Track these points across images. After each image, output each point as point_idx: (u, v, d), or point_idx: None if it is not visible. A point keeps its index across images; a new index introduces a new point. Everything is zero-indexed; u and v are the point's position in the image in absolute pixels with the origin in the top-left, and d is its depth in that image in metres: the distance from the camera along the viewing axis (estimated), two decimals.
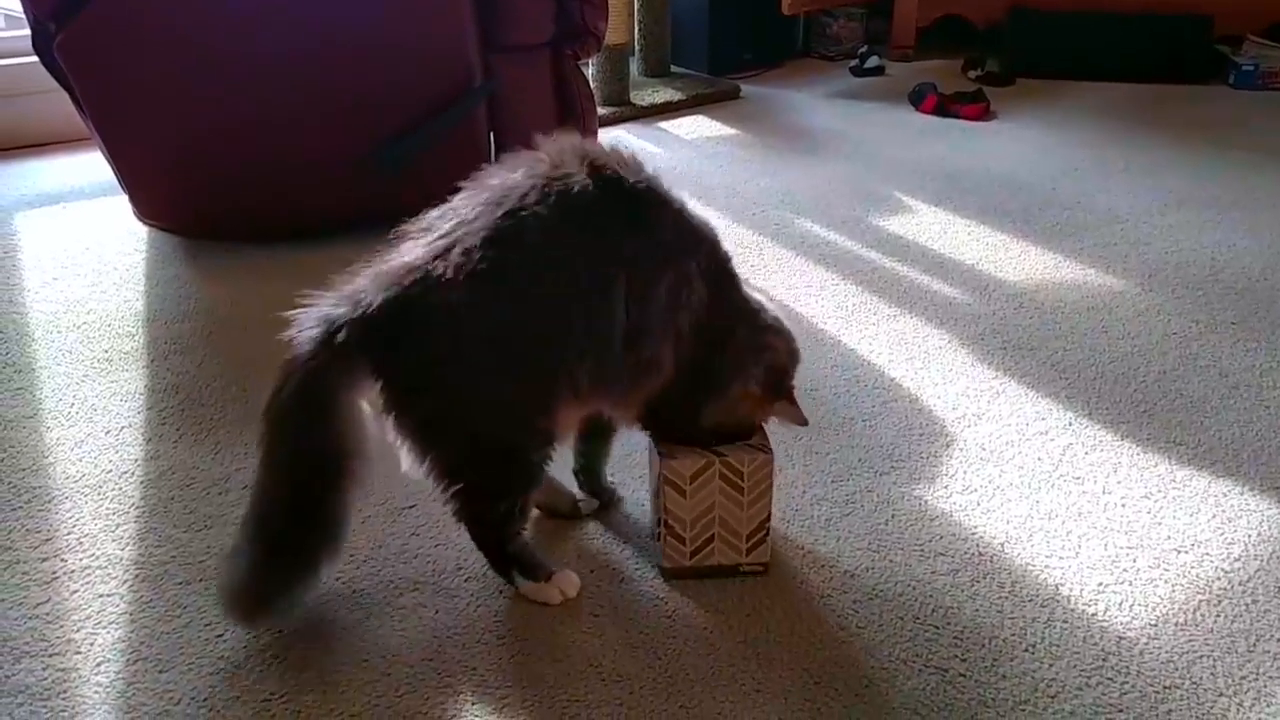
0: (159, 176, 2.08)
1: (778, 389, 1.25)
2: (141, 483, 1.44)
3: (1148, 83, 3.34)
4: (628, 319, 1.13)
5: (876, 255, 2.16)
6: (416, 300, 1.08)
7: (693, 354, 1.19)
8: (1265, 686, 1.12)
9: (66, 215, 2.35)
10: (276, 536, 1.12)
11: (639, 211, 1.14)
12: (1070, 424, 1.58)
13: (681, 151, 2.84)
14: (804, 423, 1.27)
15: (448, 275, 1.08)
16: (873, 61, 3.52)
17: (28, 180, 2.55)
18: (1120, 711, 1.09)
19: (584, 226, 1.11)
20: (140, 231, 2.23)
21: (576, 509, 1.37)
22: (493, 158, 2.22)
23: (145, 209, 2.16)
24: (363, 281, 1.11)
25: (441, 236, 1.11)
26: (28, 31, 1.98)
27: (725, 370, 1.21)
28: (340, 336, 1.08)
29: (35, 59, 2.00)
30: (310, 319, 1.10)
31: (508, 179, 1.13)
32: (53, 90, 2.09)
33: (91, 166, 2.54)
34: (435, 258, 1.09)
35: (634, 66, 3.37)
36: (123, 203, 2.31)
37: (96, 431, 1.56)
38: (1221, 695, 1.11)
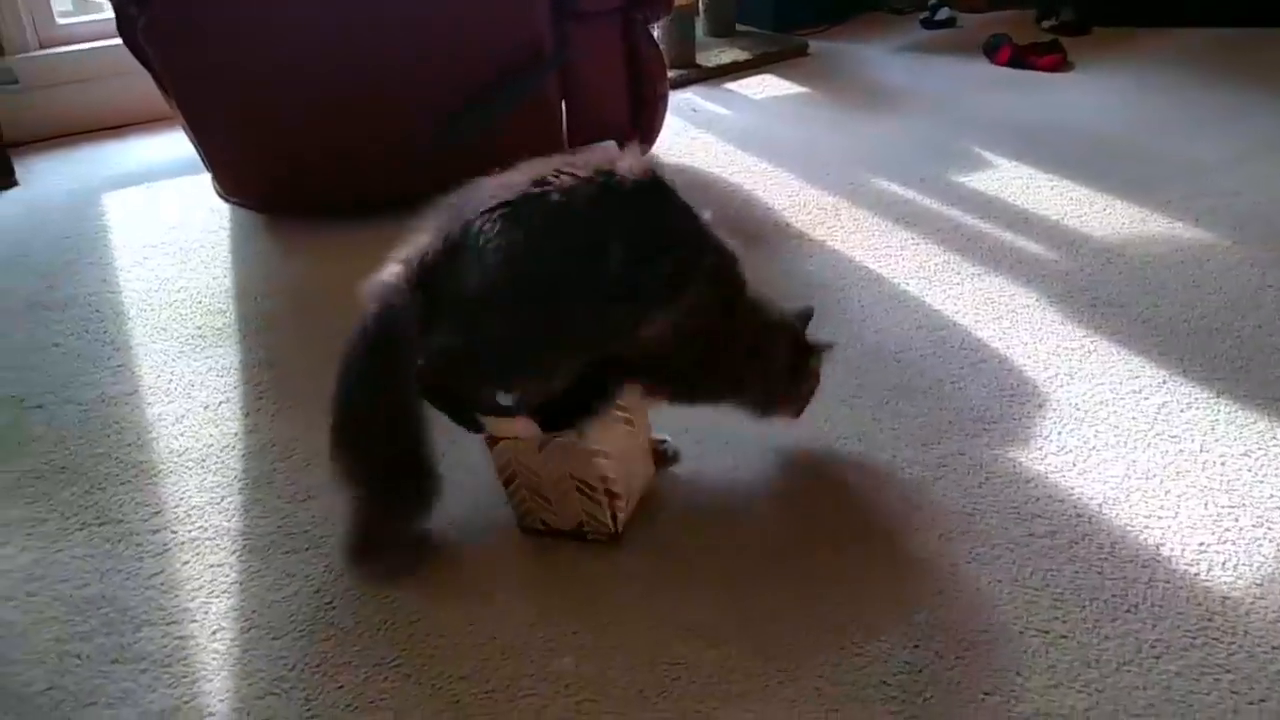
0: (241, 154, 2.12)
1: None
2: (243, 456, 1.48)
3: (1228, 27, 3.22)
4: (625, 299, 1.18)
5: (958, 213, 2.12)
6: (458, 241, 1.17)
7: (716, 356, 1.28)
8: None
9: (151, 195, 2.41)
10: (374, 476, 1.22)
11: (640, 204, 1.20)
12: (1164, 381, 1.55)
13: (751, 112, 2.82)
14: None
15: (485, 225, 1.16)
16: (943, 13, 3.45)
17: (112, 162, 2.61)
18: (1228, 672, 1.08)
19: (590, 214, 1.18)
20: (222, 209, 2.28)
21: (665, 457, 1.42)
22: (564, 124, 2.22)
23: (228, 186, 2.20)
24: (424, 236, 1.21)
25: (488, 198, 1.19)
26: (100, 15, 2.02)
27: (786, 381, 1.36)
28: (403, 278, 1.18)
29: (111, 42, 2.04)
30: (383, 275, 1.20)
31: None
32: (130, 72, 2.13)
33: (171, 146, 2.60)
34: (481, 213, 1.17)
35: (699, 26, 3.33)
36: (204, 181, 2.35)
37: (195, 407, 1.60)
38: None
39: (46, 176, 2.56)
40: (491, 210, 1.16)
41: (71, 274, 2.05)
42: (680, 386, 1.31)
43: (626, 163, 1.20)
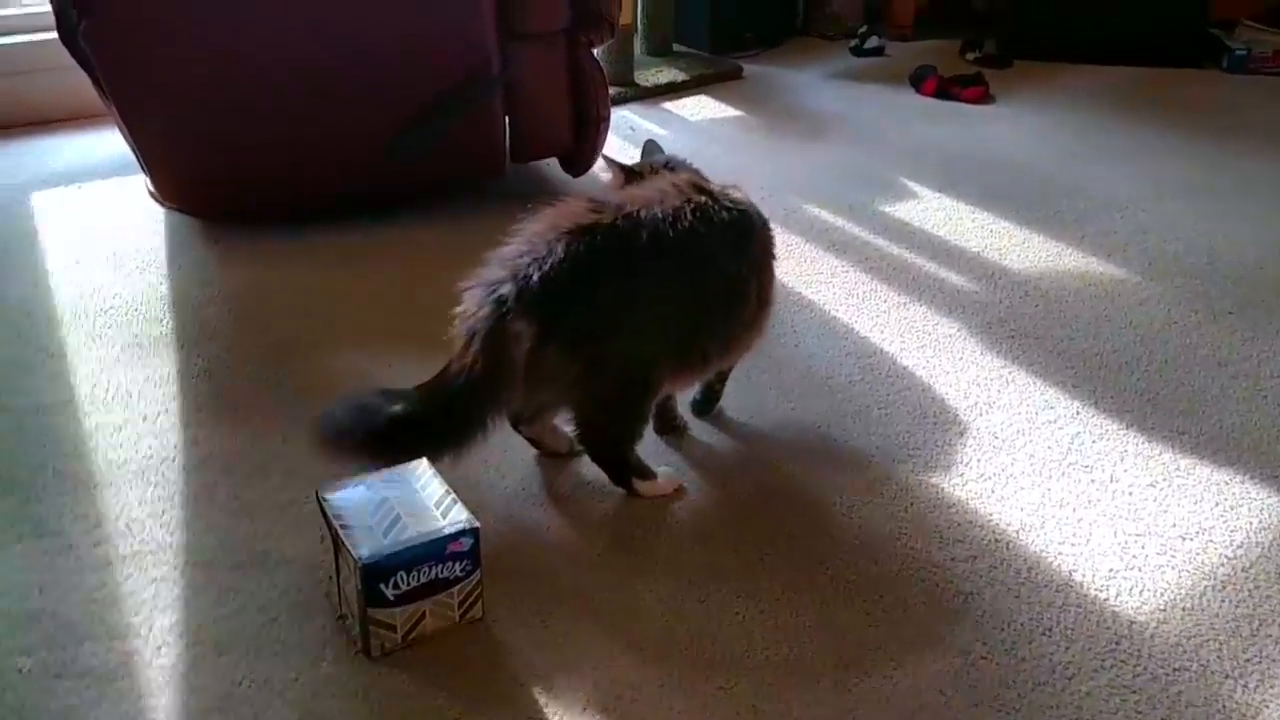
0: (181, 159, 2.11)
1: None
2: (183, 469, 1.48)
3: (1143, 66, 3.38)
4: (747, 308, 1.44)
5: (884, 242, 2.21)
6: (593, 256, 1.29)
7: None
8: (1269, 669, 1.18)
9: (82, 195, 2.36)
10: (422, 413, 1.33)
11: (753, 229, 1.46)
12: (1078, 412, 1.64)
13: (687, 134, 2.87)
14: None
15: (628, 236, 1.31)
16: (872, 42, 3.55)
17: (41, 159, 2.56)
18: (1134, 693, 1.15)
19: (725, 238, 1.40)
20: (157, 213, 2.25)
21: (574, 448, 1.50)
22: (508, 142, 2.25)
23: (166, 191, 2.18)
24: (526, 244, 1.31)
25: (617, 209, 1.35)
26: (37, 7, 1.99)
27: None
28: (511, 302, 1.28)
29: (43, 36, 2.01)
30: (478, 292, 1.31)
31: (659, 188, 1.40)
32: (64, 68, 2.10)
33: (102, 144, 2.56)
34: (617, 218, 1.33)
35: (636, 45, 3.38)
36: (137, 183, 2.33)
37: (134, 417, 1.59)
38: (1228, 677, 1.18)
39: None
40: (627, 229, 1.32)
41: (1, 276, 2.01)
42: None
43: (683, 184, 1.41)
